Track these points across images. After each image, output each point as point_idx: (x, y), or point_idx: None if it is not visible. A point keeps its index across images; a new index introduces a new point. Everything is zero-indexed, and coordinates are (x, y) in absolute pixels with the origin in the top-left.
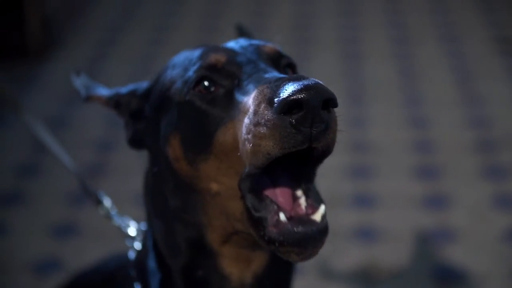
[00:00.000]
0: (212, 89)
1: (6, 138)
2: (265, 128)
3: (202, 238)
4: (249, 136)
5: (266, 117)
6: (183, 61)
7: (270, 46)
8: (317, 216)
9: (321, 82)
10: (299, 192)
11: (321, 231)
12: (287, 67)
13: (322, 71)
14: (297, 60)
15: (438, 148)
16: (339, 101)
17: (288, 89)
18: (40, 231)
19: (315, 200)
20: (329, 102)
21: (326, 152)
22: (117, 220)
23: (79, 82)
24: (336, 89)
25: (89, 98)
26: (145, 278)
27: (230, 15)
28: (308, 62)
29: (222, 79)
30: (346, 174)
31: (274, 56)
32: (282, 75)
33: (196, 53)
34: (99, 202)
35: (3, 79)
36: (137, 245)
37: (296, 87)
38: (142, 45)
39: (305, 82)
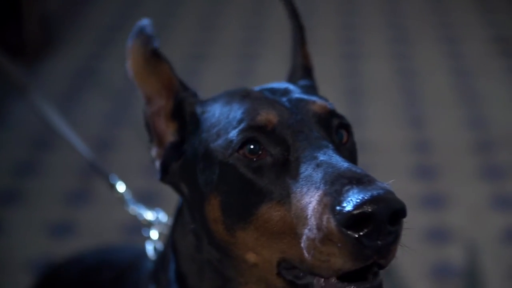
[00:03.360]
0: (260, 153)
1: (4, 136)
2: (332, 245)
3: None
4: (314, 252)
5: (331, 232)
6: (229, 113)
7: (321, 104)
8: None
9: (389, 188)
10: None
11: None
12: (340, 128)
13: (320, 71)
14: None
15: (436, 148)
16: (339, 101)
17: (353, 199)
18: (37, 230)
19: None
20: (399, 213)
21: (384, 267)
22: (132, 207)
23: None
24: (334, 89)
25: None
26: None
27: (229, 14)
28: None
29: (271, 145)
30: None
31: (326, 117)
32: (339, 167)
33: (244, 106)
34: (111, 186)
35: (1, 77)
36: (154, 234)
37: (363, 197)
38: None
39: (372, 191)
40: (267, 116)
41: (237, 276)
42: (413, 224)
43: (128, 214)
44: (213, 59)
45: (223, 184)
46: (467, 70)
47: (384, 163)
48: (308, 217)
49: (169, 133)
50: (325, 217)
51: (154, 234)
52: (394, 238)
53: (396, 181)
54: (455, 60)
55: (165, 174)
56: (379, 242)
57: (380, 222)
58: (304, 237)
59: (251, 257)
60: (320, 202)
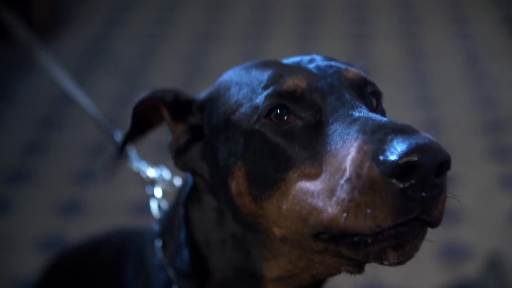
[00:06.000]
0: (286, 117)
1: (13, 116)
2: (373, 196)
3: (255, 267)
4: (351, 204)
5: (374, 180)
6: (250, 81)
7: (354, 71)
8: None
9: (433, 139)
10: None
11: (422, 224)
12: (371, 96)
13: (330, 51)
14: (306, 40)
15: (445, 129)
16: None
17: (398, 148)
18: (45, 209)
19: None
20: (444, 164)
21: (434, 224)
22: (136, 163)
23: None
24: None
25: (141, 105)
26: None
27: None
28: (316, 42)
29: (300, 110)
30: None
31: (359, 84)
32: (379, 120)
33: (267, 72)
34: (115, 143)
35: (10, 57)
36: (158, 192)
37: (408, 146)
38: (149, 24)
39: (418, 140)
40: (294, 81)
41: (263, 251)
42: None
43: (136, 192)
44: (222, 39)
45: (249, 153)
46: (476, 50)
47: None
48: (346, 168)
49: (179, 133)
50: (366, 165)
51: (158, 191)
52: (439, 191)
53: None
54: (464, 41)
55: (181, 158)
56: (423, 194)
57: (427, 173)
58: (339, 191)
59: (276, 231)
60: (359, 150)
